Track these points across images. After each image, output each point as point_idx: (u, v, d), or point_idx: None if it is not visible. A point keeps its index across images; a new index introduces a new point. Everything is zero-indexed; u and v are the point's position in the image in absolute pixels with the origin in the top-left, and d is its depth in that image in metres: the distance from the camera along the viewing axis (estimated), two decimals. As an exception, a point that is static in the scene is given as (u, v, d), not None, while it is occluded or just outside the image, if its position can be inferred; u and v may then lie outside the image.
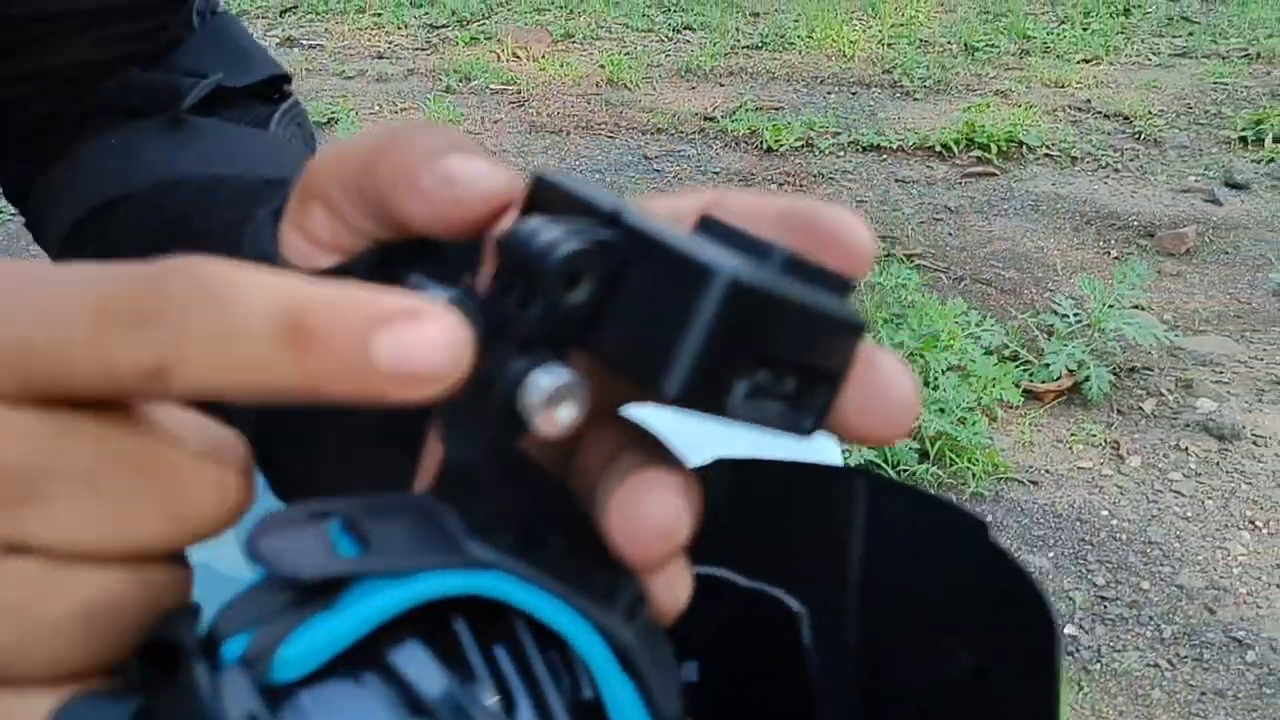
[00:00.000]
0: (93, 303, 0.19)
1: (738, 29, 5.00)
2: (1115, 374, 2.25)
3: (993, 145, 3.50)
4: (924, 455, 1.98)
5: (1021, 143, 3.55)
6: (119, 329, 0.19)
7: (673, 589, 0.25)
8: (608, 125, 3.83)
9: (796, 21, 5.06)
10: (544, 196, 0.25)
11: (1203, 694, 1.52)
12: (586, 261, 0.22)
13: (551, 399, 0.22)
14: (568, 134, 3.76)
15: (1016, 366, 2.23)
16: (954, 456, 1.98)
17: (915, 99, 4.08)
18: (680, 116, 3.89)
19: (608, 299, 0.23)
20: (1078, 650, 1.59)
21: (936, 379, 2.12)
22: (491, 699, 0.23)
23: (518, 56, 4.60)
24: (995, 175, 3.40)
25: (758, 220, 0.26)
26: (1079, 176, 3.38)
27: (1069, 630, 1.63)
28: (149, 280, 0.19)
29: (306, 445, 0.39)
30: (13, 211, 2.55)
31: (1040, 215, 3.11)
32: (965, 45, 4.67)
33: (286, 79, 0.69)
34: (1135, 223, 3.04)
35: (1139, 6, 5.25)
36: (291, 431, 0.38)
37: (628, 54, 4.60)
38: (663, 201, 0.27)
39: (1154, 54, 4.56)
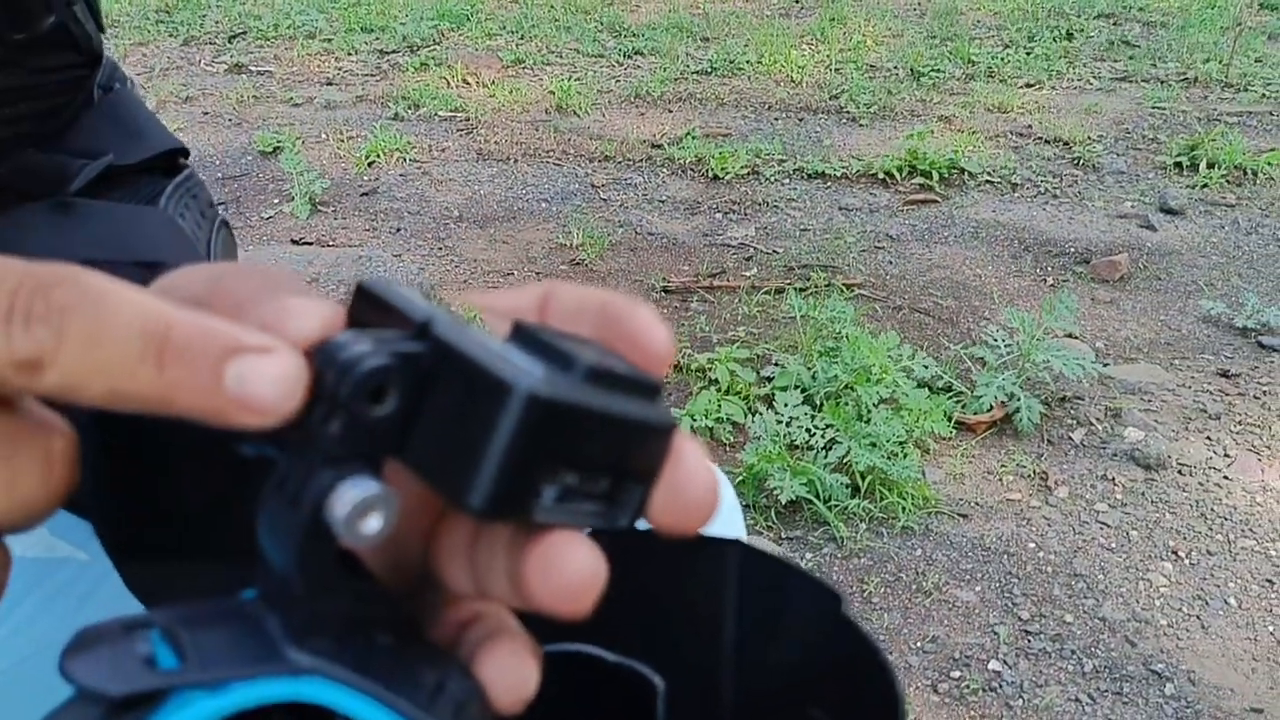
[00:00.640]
0: None
1: (688, 54, 5.04)
2: (1046, 404, 2.28)
3: (934, 172, 3.55)
4: (855, 490, 2.00)
5: (963, 169, 3.60)
6: (3, 322, 0.21)
7: (517, 681, 0.26)
8: (555, 152, 3.84)
9: (746, 47, 5.11)
10: (365, 305, 0.25)
11: (1121, 728, 1.54)
12: (390, 376, 0.23)
13: (357, 511, 0.23)
14: (515, 161, 3.76)
15: (949, 398, 2.26)
16: (885, 490, 2.00)
17: (861, 125, 4.12)
18: (628, 144, 3.91)
19: (418, 410, 0.23)
20: (1001, 686, 1.61)
21: (869, 413, 2.14)
22: None
23: (467, 83, 4.61)
24: (937, 202, 3.44)
25: (580, 316, 0.28)
26: (1018, 203, 3.43)
27: (993, 665, 1.65)
28: (38, 283, 0.21)
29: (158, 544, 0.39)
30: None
31: (979, 243, 3.16)
32: (911, 70, 4.73)
33: (183, 152, 0.70)
34: (1072, 249, 3.09)
35: (1081, 31, 5.35)
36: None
37: (578, 79, 4.62)
38: (500, 296, 0.29)
39: (1095, 78, 4.65)
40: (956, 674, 1.64)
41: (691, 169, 3.69)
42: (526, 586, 0.24)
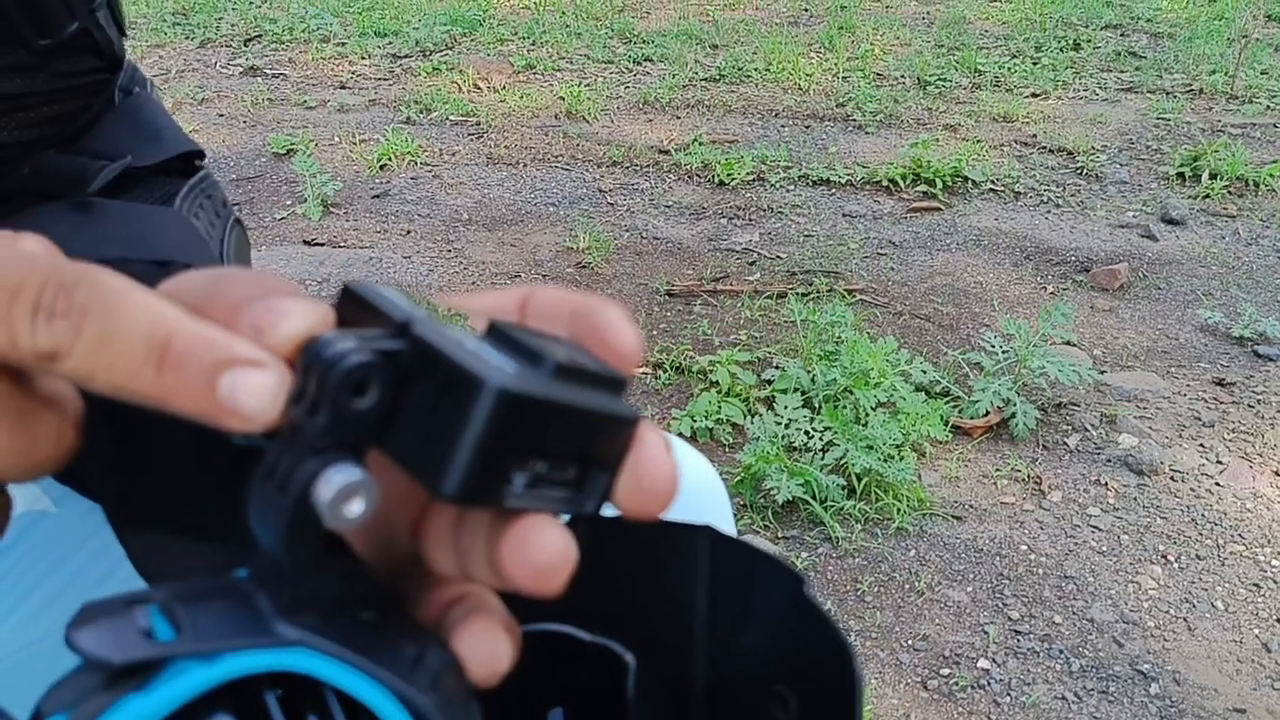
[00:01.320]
0: (13, 288, 0.24)
1: (697, 61, 5.08)
2: (1043, 410, 2.31)
3: (939, 180, 3.58)
4: (851, 491, 2.04)
5: (967, 178, 3.63)
6: (29, 316, 0.24)
7: (491, 655, 0.28)
8: (564, 157, 3.89)
9: (754, 54, 5.15)
10: (352, 306, 0.27)
11: (1105, 726, 1.58)
12: (372, 371, 0.25)
13: (340, 496, 0.25)
14: (524, 166, 3.81)
15: (946, 403, 2.30)
16: (880, 492, 2.03)
17: (867, 132, 4.16)
18: (636, 149, 3.95)
19: (398, 403, 0.25)
20: (989, 683, 1.65)
21: (866, 416, 2.18)
22: None
23: (479, 87, 4.66)
24: (940, 210, 3.48)
25: (556, 316, 0.30)
26: (1021, 211, 3.46)
27: (982, 664, 1.69)
28: (62, 282, 0.25)
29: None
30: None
31: (981, 250, 3.19)
32: (918, 79, 4.77)
33: (199, 154, 0.73)
34: (1073, 258, 3.13)
35: (1089, 41, 5.38)
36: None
37: (587, 85, 4.67)
38: (482, 297, 0.32)
39: (1101, 89, 4.68)
40: (946, 671, 1.67)
41: (698, 175, 3.73)
42: (503, 567, 0.26)
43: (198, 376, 0.24)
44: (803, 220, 3.40)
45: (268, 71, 4.93)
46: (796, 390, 2.30)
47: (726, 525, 0.77)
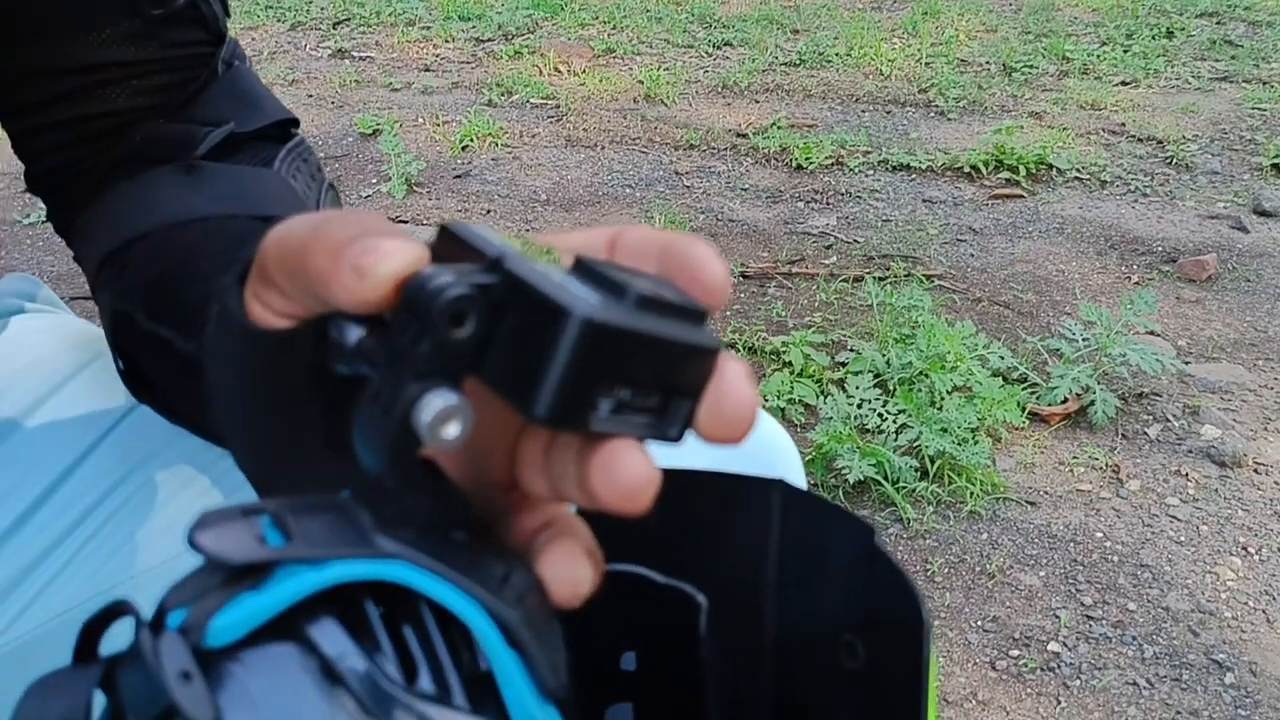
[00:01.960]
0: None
1: (777, 46, 5.06)
2: (1123, 399, 2.28)
3: (1022, 167, 3.53)
4: (924, 473, 2.03)
5: (1051, 165, 3.57)
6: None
7: (572, 577, 0.30)
8: (641, 140, 3.92)
9: (836, 39, 5.11)
10: (448, 244, 0.29)
11: (1178, 713, 1.56)
12: (469, 304, 0.26)
13: (439, 418, 0.26)
14: (602, 148, 3.84)
15: (1023, 389, 2.27)
16: (953, 475, 2.03)
17: (949, 119, 4.11)
18: (713, 132, 3.96)
19: (492, 334, 0.27)
20: (1059, 666, 1.64)
21: (941, 399, 2.17)
22: (393, 669, 0.27)
23: (559, 71, 4.70)
24: (1023, 197, 3.43)
25: (645, 253, 0.31)
26: (1107, 200, 3.39)
27: (1052, 647, 1.68)
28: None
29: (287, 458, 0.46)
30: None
31: (1064, 238, 3.14)
32: (1004, 66, 4.69)
33: (294, 122, 0.77)
34: (1159, 248, 3.06)
35: (1182, 29, 5.23)
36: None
37: (666, 69, 4.68)
38: (574, 235, 0.33)
39: (1194, 78, 4.55)
40: (1015, 653, 1.67)
41: (775, 159, 3.73)
42: (590, 488, 0.28)
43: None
44: (881, 205, 3.38)
45: (355, 54, 5.04)
46: (870, 372, 2.30)
47: (799, 483, 0.79)
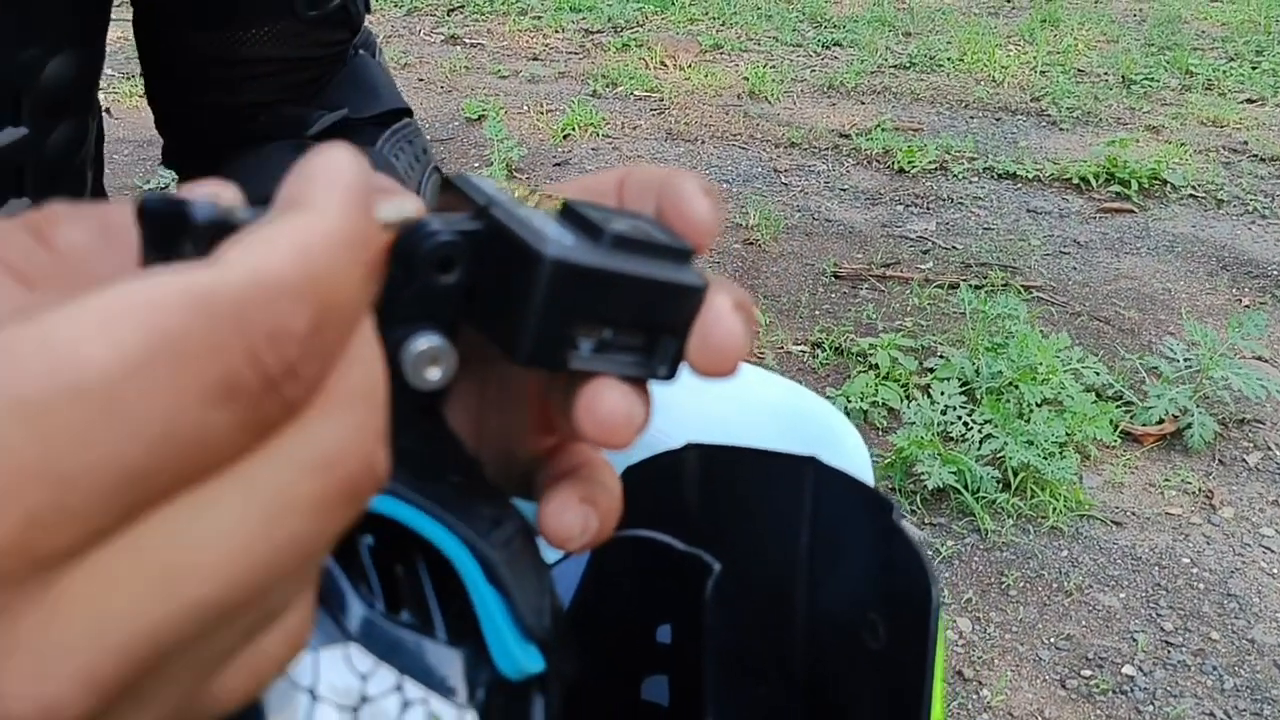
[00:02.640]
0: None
1: (888, 48, 4.99)
2: (1222, 424, 2.19)
3: (1134, 181, 3.42)
4: (1006, 485, 1.99)
5: (1165, 181, 3.45)
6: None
7: (560, 523, 0.30)
8: (742, 136, 3.91)
9: (949, 44, 5.02)
10: (449, 197, 0.29)
11: (1257, 750, 1.50)
12: (453, 249, 0.27)
13: (420, 359, 0.27)
14: (702, 143, 3.85)
15: (1118, 406, 2.21)
16: (1036, 489, 1.98)
17: (1061, 129, 4.01)
18: (816, 132, 3.93)
19: (479, 279, 0.28)
20: (1132, 690, 1.59)
21: (1030, 411, 2.12)
22: (378, 600, 0.29)
23: (665, 65, 4.72)
24: (1133, 213, 3.32)
25: (645, 193, 0.31)
26: (1222, 220, 3.27)
27: (1126, 670, 1.63)
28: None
29: None
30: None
31: (1174, 257, 3.03)
32: (1122, 77, 4.54)
33: (407, 112, 0.80)
34: (1275, 271, 2.94)
35: (1319, 46, 5.00)
36: None
37: (773, 67, 4.66)
38: (585, 178, 0.33)
39: (1328, 97, 4.34)
40: (1087, 673, 1.62)
41: (878, 160, 3.68)
42: (576, 423, 0.28)
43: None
44: (983, 213, 3.31)
45: (467, 40, 5.13)
46: (958, 379, 2.26)
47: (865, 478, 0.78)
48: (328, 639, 0.29)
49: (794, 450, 0.52)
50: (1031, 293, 2.79)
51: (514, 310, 0.26)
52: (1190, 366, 2.24)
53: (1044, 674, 1.62)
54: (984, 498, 1.97)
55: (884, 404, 2.24)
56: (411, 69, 4.67)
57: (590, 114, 3.99)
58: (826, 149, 3.79)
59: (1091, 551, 1.88)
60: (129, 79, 4.19)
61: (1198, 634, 1.70)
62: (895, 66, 4.73)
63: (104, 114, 0.71)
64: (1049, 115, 4.13)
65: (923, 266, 2.95)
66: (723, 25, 5.39)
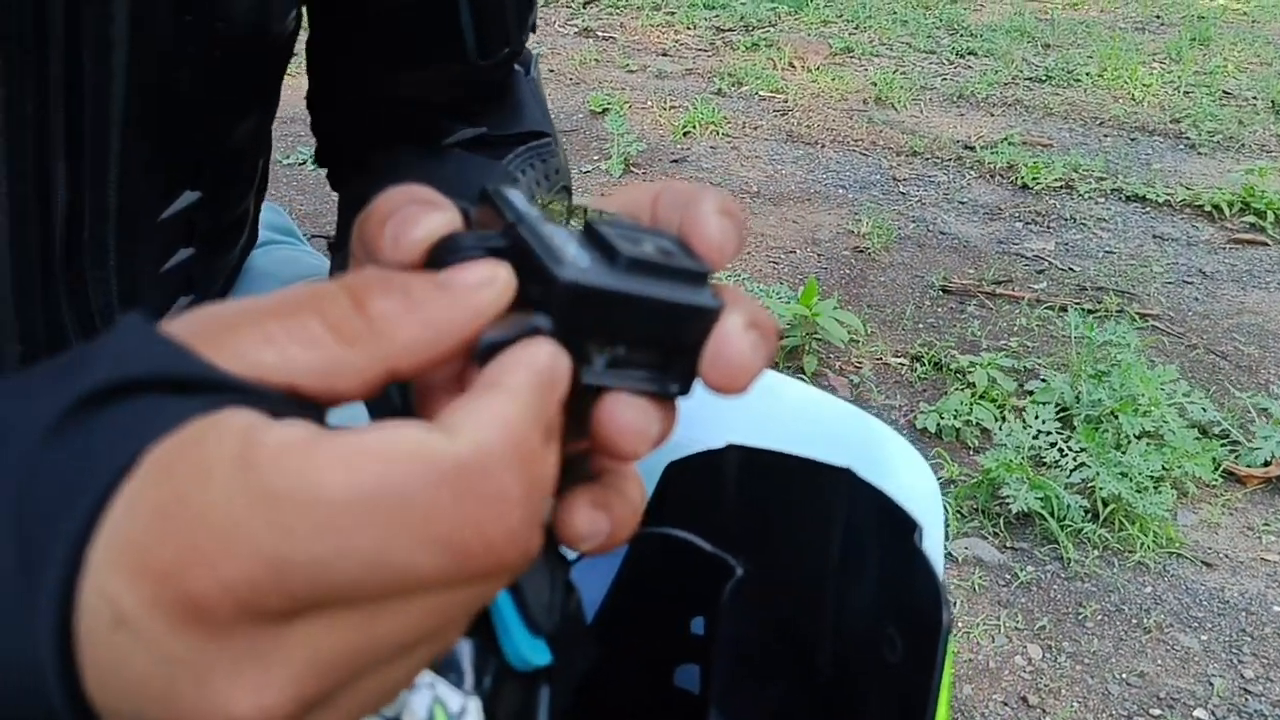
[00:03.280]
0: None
1: (1024, 59, 4.88)
2: (1336, 471, 2.11)
3: (1270, 213, 3.28)
4: (1094, 515, 1.96)
5: (1305, 213, 3.30)
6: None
7: (570, 523, 0.32)
8: (864, 142, 3.88)
9: (1089, 58, 4.87)
10: (487, 209, 0.31)
11: (1329, 810, 1.45)
12: None
13: None
14: (822, 146, 3.84)
15: (1222, 445, 2.14)
16: (1125, 522, 1.94)
17: (1199, 153, 3.86)
18: (939, 142, 3.88)
19: None
20: (1203, 736, 1.56)
21: (1127, 443, 2.08)
22: None
23: (793, 66, 4.71)
24: (1266, 245, 3.19)
25: (673, 211, 0.33)
26: (1364, 258, 3.11)
27: (1199, 713, 1.59)
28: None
29: None
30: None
31: (1306, 293, 2.90)
32: (1271, 103, 4.34)
33: (547, 135, 0.83)
34: None
35: None
36: None
37: (903, 73, 4.61)
38: (623, 192, 0.35)
39: None
40: (1156, 712, 1.59)
41: (1001, 175, 3.62)
42: (592, 435, 0.30)
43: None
44: (1106, 235, 3.23)
45: (599, 34, 5.22)
46: (1056, 404, 2.22)
47: (935, 517, 0.77)
48: None
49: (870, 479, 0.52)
50: (1147, 321, 2.71)
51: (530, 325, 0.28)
52: (1305, 410, 2.16)
53: (1111, 708, 1.60)
54: (1070, 526, 1.94)
55: (977, 423, 2.22)
56: (543, 60, 4.78)
57: (712, 112, 4.02)
58: (949, 160, 3.74)
59: (1177, 590, 1.84)
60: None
61: (1279, 684, 1.65)
62: (1030, 79, 4.62)
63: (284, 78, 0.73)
64: (1188, 138, 3.98)
65: (1035, 286, 2.90)
66: (856, 28, 5.35)
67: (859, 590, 0.57)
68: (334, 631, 0.23)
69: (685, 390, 0.31)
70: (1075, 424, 2.17)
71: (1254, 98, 4.43)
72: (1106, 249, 3.13)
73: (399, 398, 0.34)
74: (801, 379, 2.38)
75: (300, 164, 3.58)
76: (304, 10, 0.70)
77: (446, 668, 0.35)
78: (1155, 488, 1.99)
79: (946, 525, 1.96)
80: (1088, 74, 4.66)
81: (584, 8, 5.65)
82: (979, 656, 1.71)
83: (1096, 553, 1.91)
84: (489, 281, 0.28)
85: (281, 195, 3.41)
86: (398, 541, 0.23)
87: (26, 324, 0.58)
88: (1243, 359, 2.57)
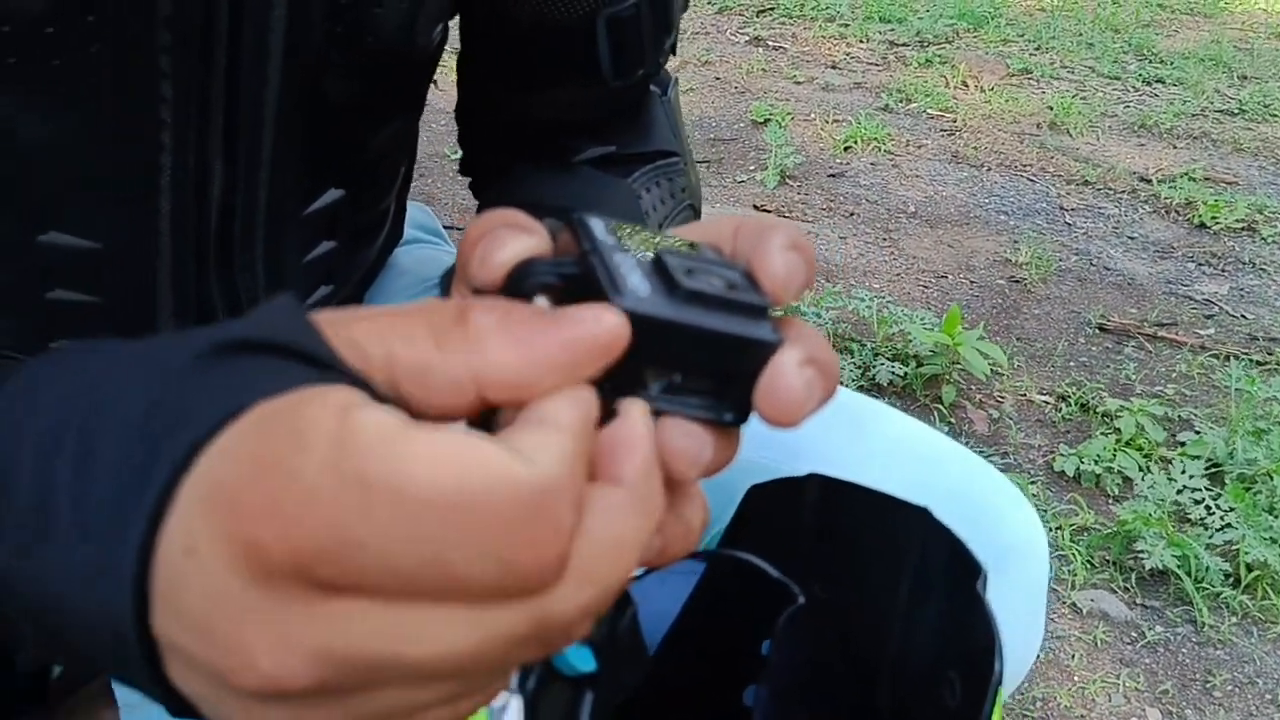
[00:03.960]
0: None
1: (1217, 90, 4.61)
2: None
3: None
4: (1235, 581, 1.85)
5: None
6: None
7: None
8: (1032, 168, 3.76)
9: (1292, 91, 4.57)
10: (570, 233, 0.33)
11: None
12: (549, 290, 0.31)
13: None
14: (988, 169, 3.73)
15: (1392, 519, 1.98)
16: (1270, 591, 1.83)
17: (1407, 200, 3.57)
18: (1114, 173, 3.71)
19: None
20: (1331, 830, 1.46)
21: (1281, 507, 1.96)
22: None
23: (966, 84, 4.59)
24: None
25: (747, 244, 0.34)
26: None
27: (1329, 806, 1.49)
28: None
29: None
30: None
31: None
32: None
33: (675, 154, 0.85)
34: None
35: None
36: None
37: (1082, 98, 4.43)
38: (704, 224, 0.37)
39: None
40: (1281, 798, 1.50)
41: (1177, 211, 3.44)
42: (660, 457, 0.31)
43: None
44: (1286, 282, 3.03)
45: (770, 43, 5.21)
46: (1207, 460, 2.11)
47: (1040, 563, 0.76)
48: None
49: (965, 531, 0.53)
50: (1323, 378, 2.54)
51: None
52: None
53: (1231, 787, 1.52)
54: (1207, 589, 1.84)
55: (1120, 471, 2.13)
56: (711, 67, 4.81)
57: (876, 128, 3.97)
58: (1122, 192, 3.58)
59: (1322, 671, 1.72)
60: (454, 53, 4.58)
61: None
62: (1221, 111, 4.36)
63: (430, 85, 0.77)
64: (1395, 183, 3.68)
65: (1202, 332, 2.75)
66: (1037, 49, 5.17)
67: (924, 630, 0.58)
68: (366, 621, 0.25)
69: (741, 419, 0.32)
70: (1225, 481, 2.05)
71: None
72: (1285, 296, 2.94)
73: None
74: (938, 409, 2.33)
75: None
76: (451, 27, 0.75)
77: None
78: (1309, 558, 1.87)
79: (1073, 574, 1.89)
80: (1287, 108, 4.37)
81: (757, 16, 5.65)
82: (1093, 714, 1.65)
83: (1234, 620, 1.81)
84: (593, 320, 0.29)
85: (447, 188, 3.55)
86: (461, 547, 0.24)
87: (181, 303, 0.64)
88: None
